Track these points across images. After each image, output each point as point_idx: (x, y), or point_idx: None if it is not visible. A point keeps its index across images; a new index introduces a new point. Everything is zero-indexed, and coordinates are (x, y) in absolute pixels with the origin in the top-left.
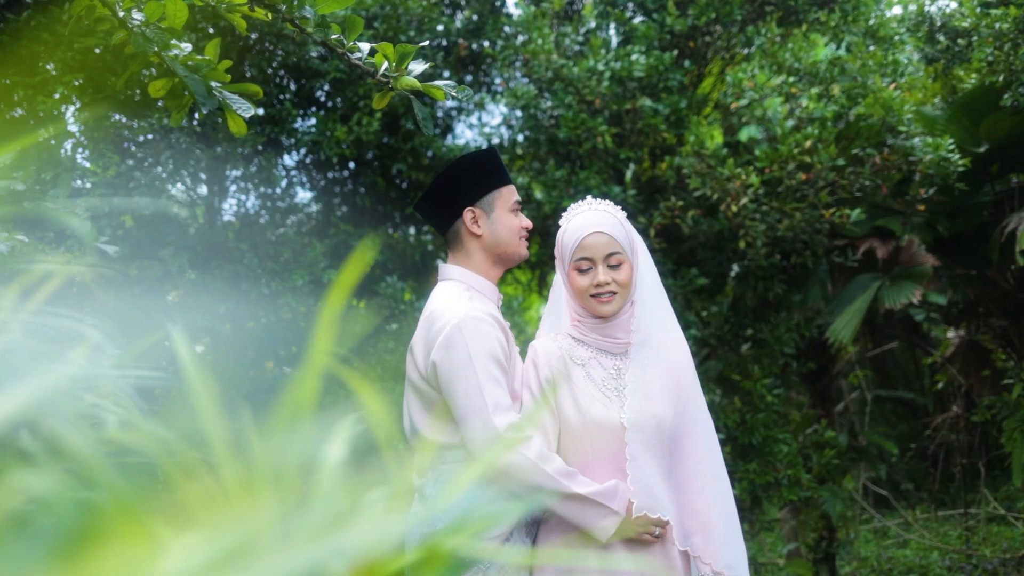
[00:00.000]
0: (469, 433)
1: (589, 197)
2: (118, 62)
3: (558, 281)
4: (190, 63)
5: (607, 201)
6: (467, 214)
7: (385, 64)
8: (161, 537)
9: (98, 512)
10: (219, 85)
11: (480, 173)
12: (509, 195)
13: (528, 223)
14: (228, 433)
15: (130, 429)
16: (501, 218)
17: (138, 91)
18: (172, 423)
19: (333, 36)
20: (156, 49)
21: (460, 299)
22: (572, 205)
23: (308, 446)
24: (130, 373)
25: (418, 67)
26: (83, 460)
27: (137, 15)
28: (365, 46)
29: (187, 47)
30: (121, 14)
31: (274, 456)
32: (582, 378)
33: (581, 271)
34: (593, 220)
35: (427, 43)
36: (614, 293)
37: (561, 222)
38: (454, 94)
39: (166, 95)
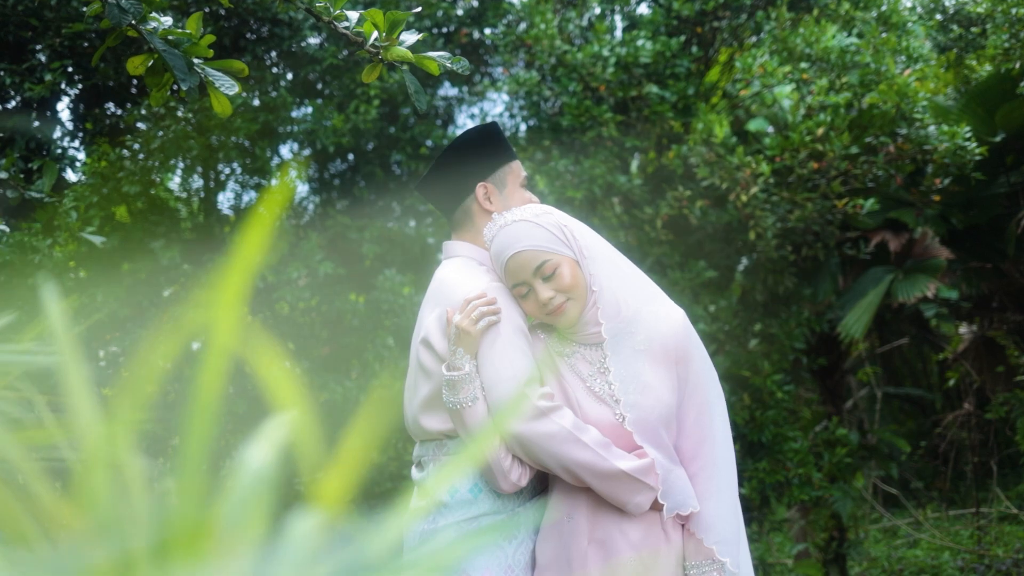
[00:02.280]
0: (498, 402)
1: (495, 215)
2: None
3: None
4: (170, 38)
5: (512, 210)
6: (480, 189)
7: (375, 34)
8: None
9: None
10: (201, 61)
11: (490, 147)
12: (519, 170)
13: (536, 199)
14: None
15: None
16: (514, 193)
17: (134, 80)
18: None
19: (319, 3)
20: (132, 22)
21: (476, 272)
22: (484, 230)
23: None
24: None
25: (410, 37)
26: None
27: None
28: (353, 15)
29: (167, 20)
30: None
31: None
32: (569, 373)
33: (523, 296)
34: (505, 242)
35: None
36: (564, 301)
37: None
38: (449, 65)
39: (146, 72)
